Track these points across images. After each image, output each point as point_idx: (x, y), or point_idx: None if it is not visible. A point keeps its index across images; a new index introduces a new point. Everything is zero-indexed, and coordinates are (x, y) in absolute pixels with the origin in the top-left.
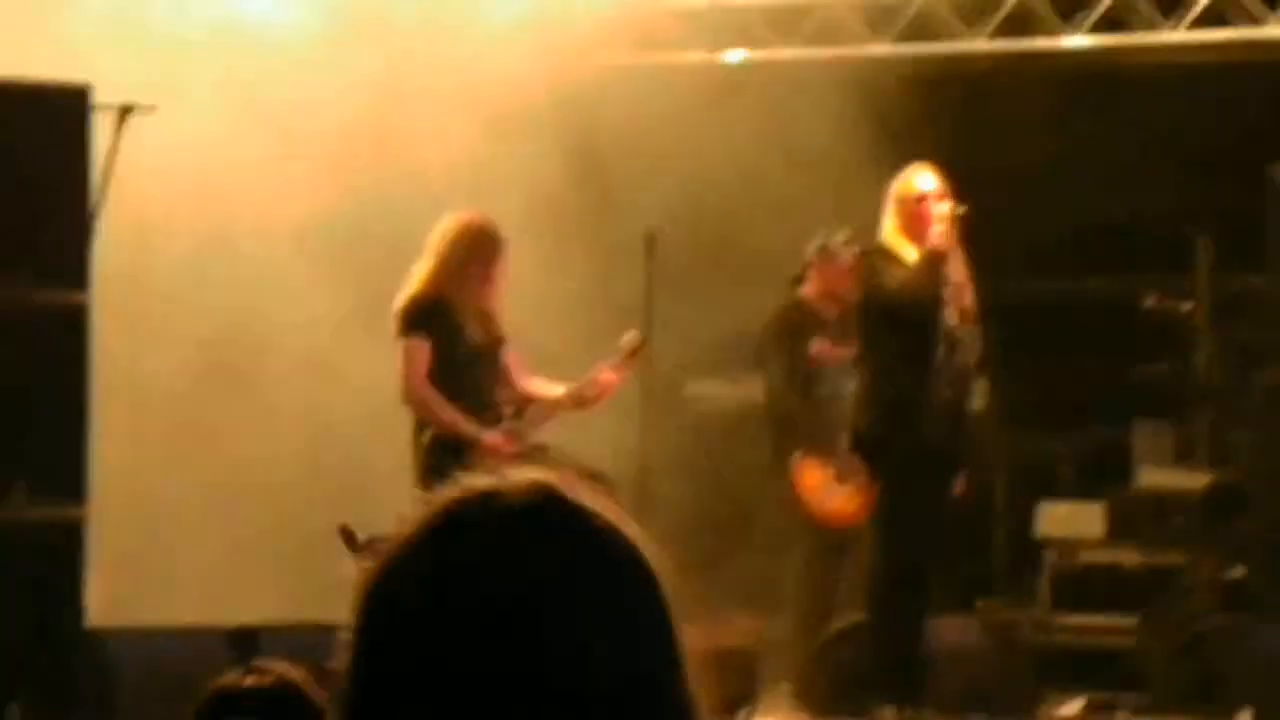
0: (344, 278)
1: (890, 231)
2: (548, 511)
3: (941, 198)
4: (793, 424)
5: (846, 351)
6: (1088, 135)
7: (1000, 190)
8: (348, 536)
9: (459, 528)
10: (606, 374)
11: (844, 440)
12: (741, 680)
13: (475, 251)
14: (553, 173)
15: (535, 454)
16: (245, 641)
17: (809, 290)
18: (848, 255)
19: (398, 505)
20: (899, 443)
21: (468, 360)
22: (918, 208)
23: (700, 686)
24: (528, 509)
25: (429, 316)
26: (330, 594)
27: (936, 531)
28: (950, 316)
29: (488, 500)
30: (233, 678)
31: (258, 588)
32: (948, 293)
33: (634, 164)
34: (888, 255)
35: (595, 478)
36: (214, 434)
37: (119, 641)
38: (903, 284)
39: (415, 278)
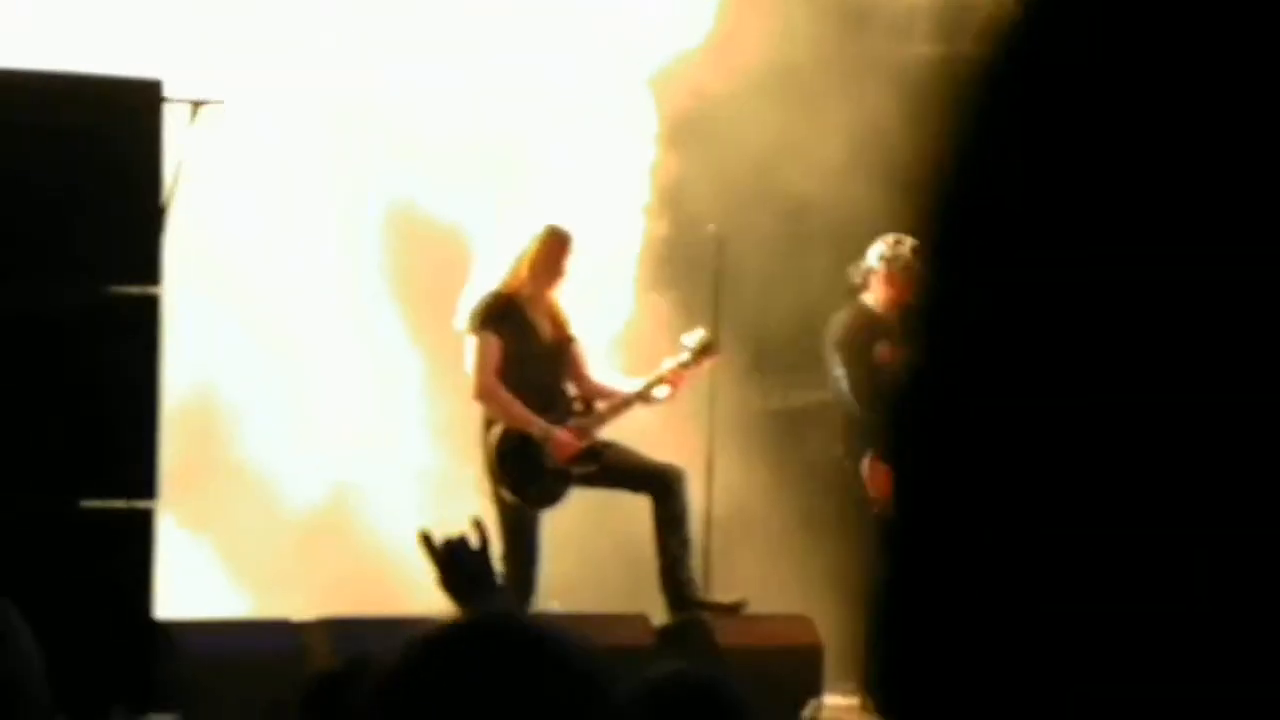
0: (410, 277)
1: None
2: (508, 633)
3: None
4: (863, 427)
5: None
6: None
7: None
8: (427, 542)
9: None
10: (674, 372)
11: None
12: (808, 676)
13: (543, 250)
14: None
15: (603, 450)
16: (308, 634)
17: (873, 297)
18: (902, 255)
19: (462, 500)
20: None
21: (537, 357)
22: None
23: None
24: (489, 633)
25: (500, 314)
26: (380, 588)
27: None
28: None
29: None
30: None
31: (316, 582)
32: None
33: (700, 165)
34: None
35: (666, 472)
36: (272, 431)
37: (188, 635)
38: None
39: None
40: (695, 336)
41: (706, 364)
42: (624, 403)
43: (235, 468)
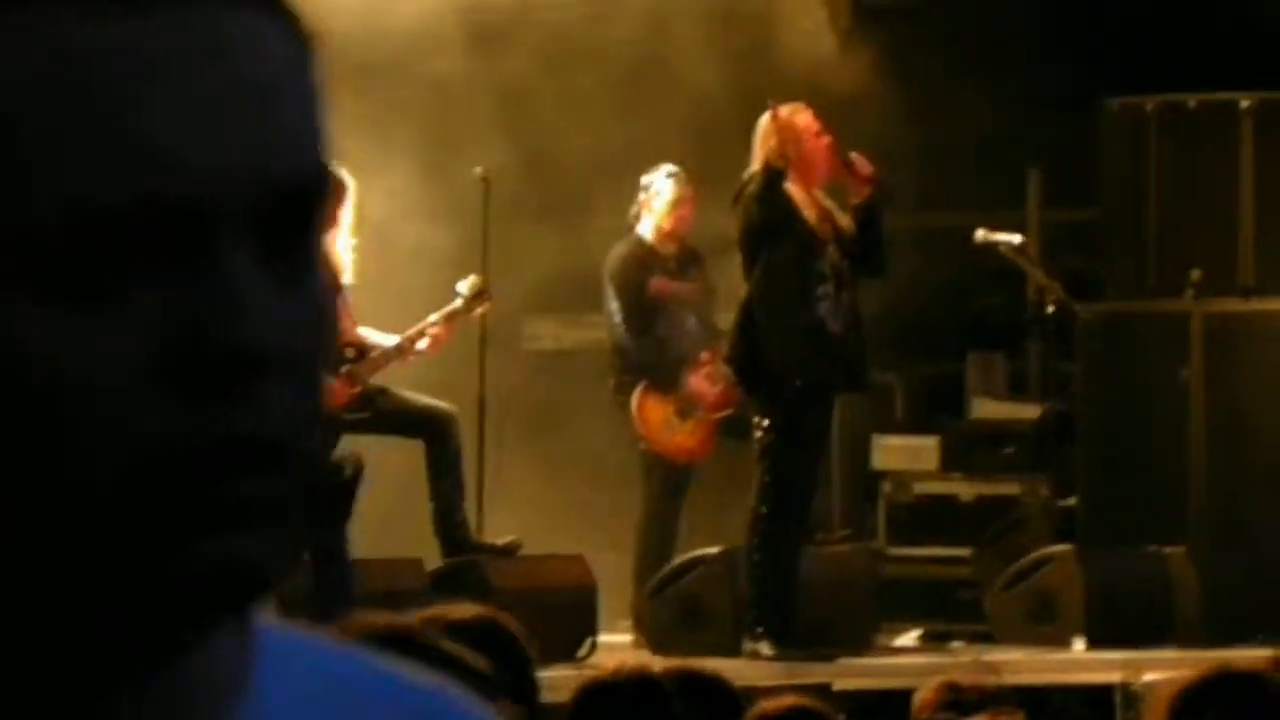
0: None
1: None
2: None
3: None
4: (634, 361)
5: (686, 288)
6: (917, 67)
7: (828, 122)
8: None
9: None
10: (439, 323)
11: (686, 376)
12: (581, 618)
13: None
14: (388, 115)
15: (376, 396)
16: None
17: (646, 228)
18: (675, 188)
19: None
20: (792, 376)
21: None
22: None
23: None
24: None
25: None
26: None
27: (817, 464)
28: (834, 252)
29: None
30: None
31: None
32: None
33: (468, 106)
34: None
35: (439, 416)
36: None
37: None
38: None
39: None
40: (467, 283)
41: (479, 309)
42: (386, 355)
43: None
